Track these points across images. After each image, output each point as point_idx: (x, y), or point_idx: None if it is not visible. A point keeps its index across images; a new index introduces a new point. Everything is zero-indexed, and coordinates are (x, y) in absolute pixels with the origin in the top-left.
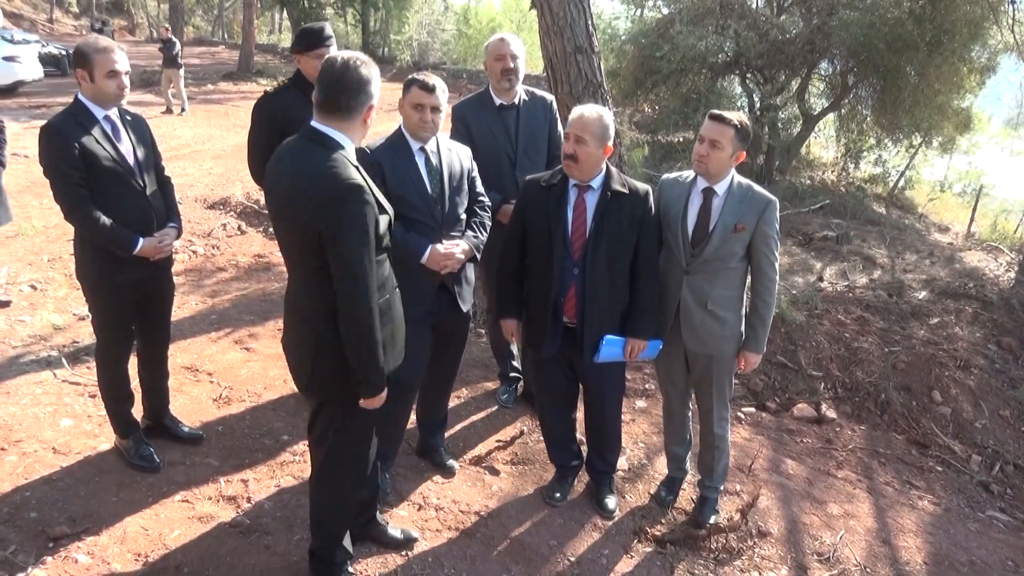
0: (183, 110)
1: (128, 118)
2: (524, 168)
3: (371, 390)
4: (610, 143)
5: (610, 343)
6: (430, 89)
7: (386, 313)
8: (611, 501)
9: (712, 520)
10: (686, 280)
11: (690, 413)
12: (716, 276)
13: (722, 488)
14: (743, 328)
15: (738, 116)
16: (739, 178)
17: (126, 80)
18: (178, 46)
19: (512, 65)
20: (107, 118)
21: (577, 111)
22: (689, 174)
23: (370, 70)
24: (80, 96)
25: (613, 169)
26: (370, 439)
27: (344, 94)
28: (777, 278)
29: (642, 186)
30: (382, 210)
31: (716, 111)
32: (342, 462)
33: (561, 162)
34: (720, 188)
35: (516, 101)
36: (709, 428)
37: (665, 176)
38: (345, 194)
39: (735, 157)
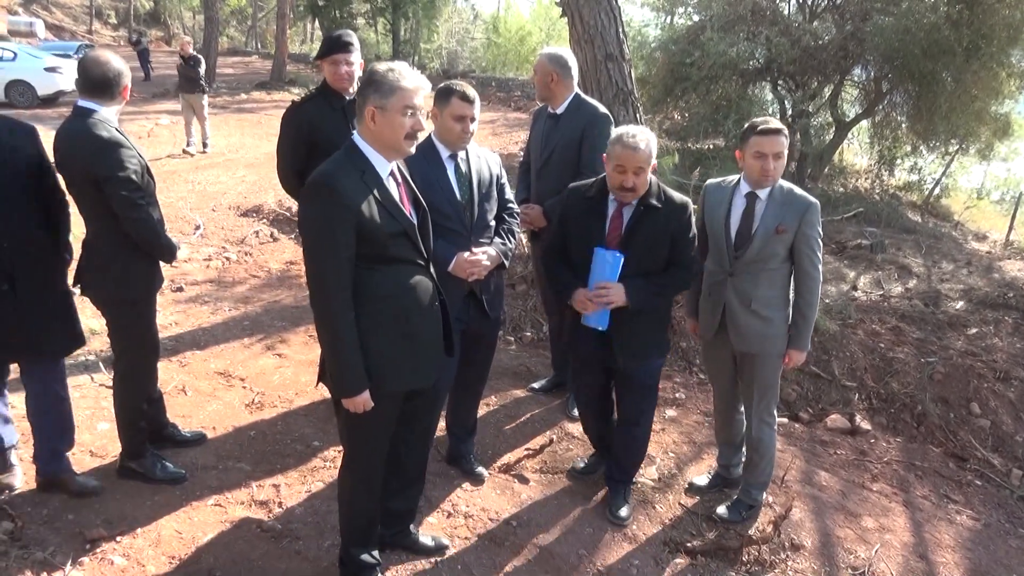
0: (205, 146)
1: None
2: (541, 176)
3: (338, 390)
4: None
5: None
6: (471, 100)
7: (389, 325)
8: (624, 510)
9: (722, 514)
10: (730, 282)
11: (740, 415)
12: (759, 277)
13: (761, 499)
14: (789, 327)
15: (779, 122)
16: (781, 181)
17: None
18: (204, 66)
19: (541, 80)
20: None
21: (631, 144)
22: (732, 178)
23: (375, 76)
24: (90, 104)
25: (654, 182)
26: (379, 443)
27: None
28: (820, 277)
29: (680, 198)
30: (392, 221)
31: (767, 126)
32: (351, 464)
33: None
34: (763, 192)
35: (559, 111)
36: (751, 431)
37: (710, 181)
38: (308, 190)
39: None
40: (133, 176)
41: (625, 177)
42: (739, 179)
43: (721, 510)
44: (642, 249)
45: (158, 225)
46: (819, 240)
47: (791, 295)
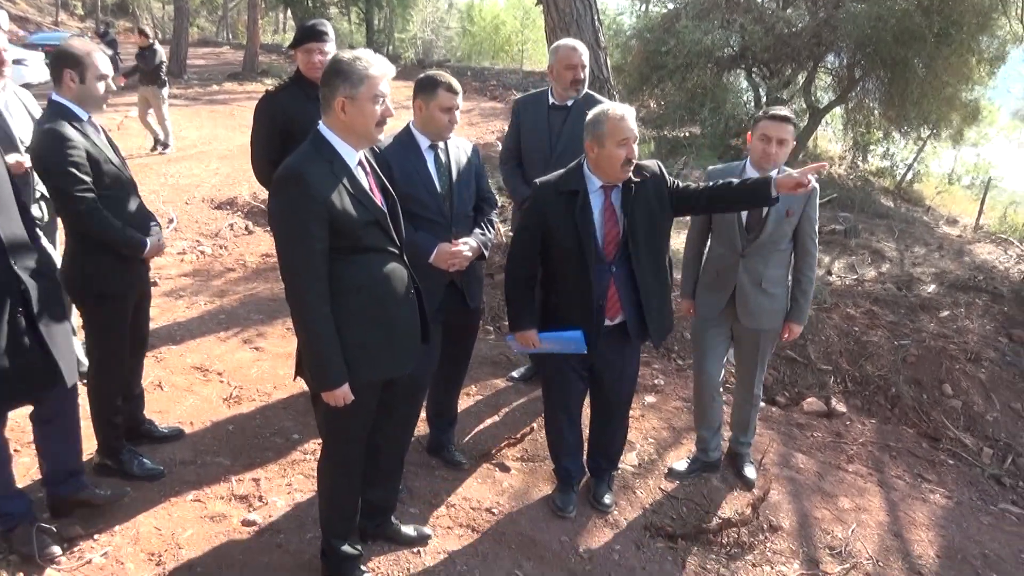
0: (166, 145)
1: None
2: (555, 169)
3: (317, 384)
4: None
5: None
6: (457, 91)
7: (365, 314)
8: (608, 497)
9: (751, 466)
10: (742, 263)
11: (721, 398)
12: (769, 258)
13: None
14: (787, 302)
15: (791, 113)
16: (785, 167)
17: (112, 84)
18: (161, 55)
19: (582, 76)
20: (90, 120)
21: (620, 111)
22: (738, 164)
23: (341, 65)
24: (60, 98)
25: None
26: (357, 434)
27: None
28: (817, 255)
29: (650, 162)
30: (363, 210)
31: (777, 112)
32: (330, 456)
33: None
34: None
35: (568, 103)
36: (749, 392)
37: (712, 167)
38: (277, 183)
39: (791, 148)
40: (73, 169)
41: (629, 149)
42: (744, 165)
43: (743, 466)
44: (648, 226)
45: (107, 219)
46: (817, 220)
47: (789, 272)
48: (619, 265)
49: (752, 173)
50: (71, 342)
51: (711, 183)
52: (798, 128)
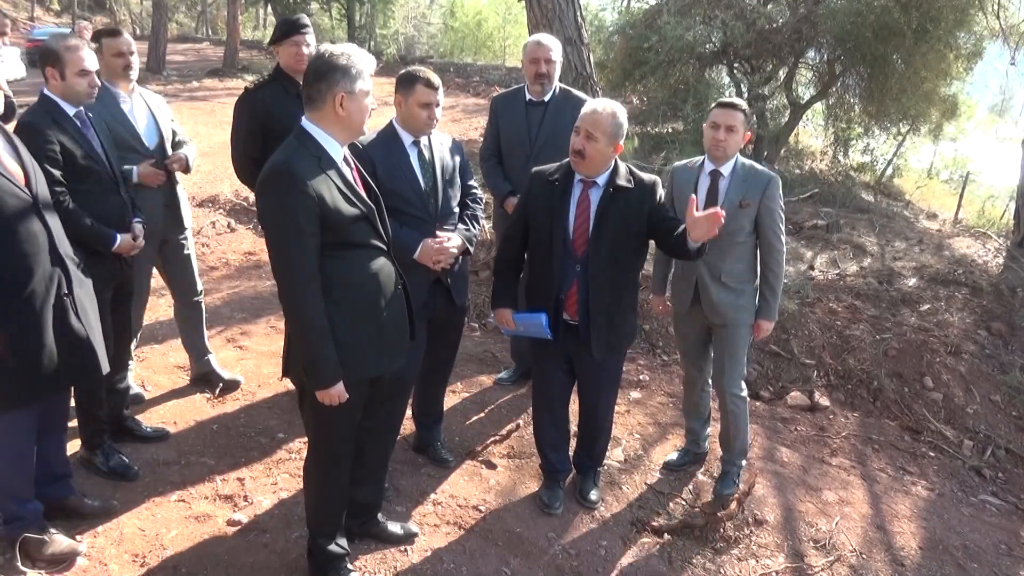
0: None
1: (90, 115)
2: (539, 164)
3: (313, 383)
4: (621, 141)
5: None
6: (435, 87)
7: (356, 311)
8: (594, 494)
9: (728, 491)
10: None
11: (709, 389)
12: (727, 251)
13: (743, 464)
14: (757, 299)
15: (742, 101)
16: (742, 159)
17: (96, 79)
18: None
19: (545, 70)
20: (77, 115)
21: (591, 105)
22: (698, 159)
23: (339, 60)
24: (49, 93)
25: (622, 164)
26: (345, 432)
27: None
28: (784, 249)
29: (649, 177)
30: (352, 206)
31: (724, 100)
32: (317, 455)
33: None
34: (726, 169)
35: (546, 99)
36: (724, 403)
37: (676, 163)
38: (266, 180)
39: (744, 138)
40: (47, 163)
41: (576, 139)
42: (704, 159)
43: (720, 488)
44: (617, 234)
45: (75, 213)
46: (781, 213)
47: (757, 268)
48: (584, 264)
49: (710, 167)
50: (100, 329)
51: (675, 227)
52: (748, 116)
